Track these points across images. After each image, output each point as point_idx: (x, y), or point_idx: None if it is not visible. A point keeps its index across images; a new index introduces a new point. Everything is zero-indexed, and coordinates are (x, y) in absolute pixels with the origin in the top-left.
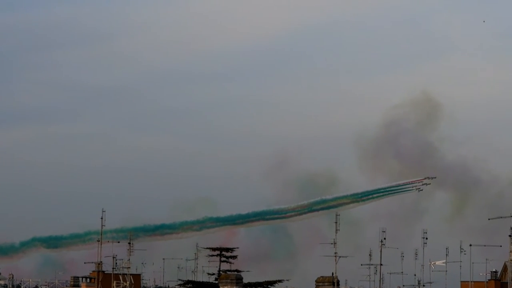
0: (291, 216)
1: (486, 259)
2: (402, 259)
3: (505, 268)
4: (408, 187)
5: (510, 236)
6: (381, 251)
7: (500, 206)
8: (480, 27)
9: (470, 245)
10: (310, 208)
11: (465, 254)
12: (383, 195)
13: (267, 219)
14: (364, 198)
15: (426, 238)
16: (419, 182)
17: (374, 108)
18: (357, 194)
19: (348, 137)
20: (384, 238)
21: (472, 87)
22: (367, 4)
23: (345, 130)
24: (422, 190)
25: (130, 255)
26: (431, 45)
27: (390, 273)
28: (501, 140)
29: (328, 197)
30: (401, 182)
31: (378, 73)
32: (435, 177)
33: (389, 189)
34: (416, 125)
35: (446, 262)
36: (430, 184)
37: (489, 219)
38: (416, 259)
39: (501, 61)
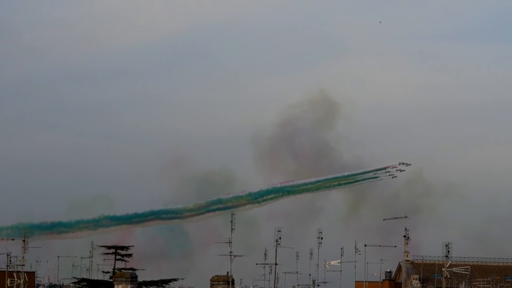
0: (187, 216)
1: (381, 259)
2: (297, 258)
3: (399, 269)
4: (381, 173)
5: (404, 236)
6: (276, 251)
7: (395, 206)
8: (377, 28)
9: (365, 245)
10: (207, 208)
11: (360, 254)
12: (281, 195)
13: (164, 219)
14: (260, 199)
15: (321, 238)
16: (393, 168)
17: (271, 108)
18: (260, 192)
19: (245, 136)
20: (280, 238)
21: (369, 88)
22: (266, 5)
23: (242, 129)
24: (396, 176)
25: (24, 252)
26: (328, 46)
27: (285, 273)
28: (395, 141)
29: (225, 196)
30: (372, 168)
31: (276, 73)
32: (410, 164)
33: (359, 174)
34: (313, 124)
35: (341, 262)
36: (404, 170)
37: (384, 220)
38: (311, 258)
39: (396, 62)
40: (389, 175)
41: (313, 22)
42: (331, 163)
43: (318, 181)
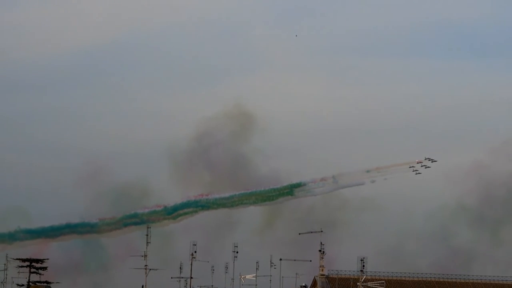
0: (104, 231)
1: (296, 274)
2: (213, 272)
3: (314, 283)
4: (404, 169)
5: (320, 251)
6: (191, 264)
7: (310, 220)
8: (293, 42)
9: (280, 259)
10: (123, 222)
11: (275, 268)
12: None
13: (80, 233)
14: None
15: (237, 252)
16: (418, 163)
17: (188, 121)
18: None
19: (162, 149)
20: (195, 251)
21: (285, 101)
22: (183, 18)
23: (158, 142)
24: (420, 173)
25: None
26: (245, 59)
27: (200, 287)
28: (312, 154)
29: (141, 211)
30: (396, 163)
31: (192, 87)
32: (436, 160)
33: (275, 190)
34: (229, 137)
35: (256, 276)
36: (430, 167)
37: (299, 234)
38: (226, 272)
39: (313, 76)
40: (413, 171)
41: (230, 35)
42: (247, 176)
43: (233, 196)
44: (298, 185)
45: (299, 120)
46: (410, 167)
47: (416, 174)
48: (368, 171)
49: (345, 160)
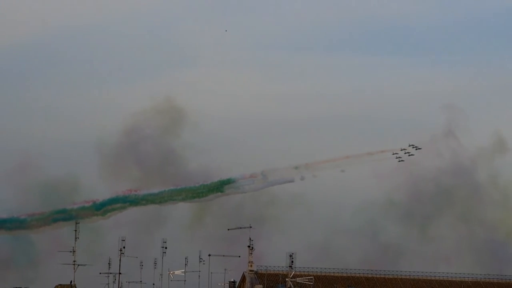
0: (32, 227)
1: (225, 269)
2: (142, 268)
3: (243, 278)
4: (388, 156)
5: (248, 246)
6: (120, 260)
7: (239, 216)
8: (224, 37)
9: (209, 255)
10: (52, 218)
11: (204, 264)
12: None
13: (9, 228)
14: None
15: (166, 248)
16: (402, 151)
17: (118, 115)
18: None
19: (91, 143)
20: (124, 247)
21: (216, 97)
22: (114, 12)
23: (88, 136)
24: (403, 160)
25: None
26: (176, 54)
27: (129, 282)
28: (243, 150)
29: (69, 206)
30: (379, 150)
31: (123, 80)
32: (420, 148)
33: (205, 187)
34: (159, 131)
35: (185, 272)
36: (414, 155)
37: (228, 229)
38: (155, 268)
39: (244, 72)
40: (396, 158)
41: (161, 30)
42: (177, 171)
43: (163, 192)
44: (228, 182)
45: (230, 116)
46: (393, 154)
47: (399, 161)
48: (296, 168)
49: (274, 156)
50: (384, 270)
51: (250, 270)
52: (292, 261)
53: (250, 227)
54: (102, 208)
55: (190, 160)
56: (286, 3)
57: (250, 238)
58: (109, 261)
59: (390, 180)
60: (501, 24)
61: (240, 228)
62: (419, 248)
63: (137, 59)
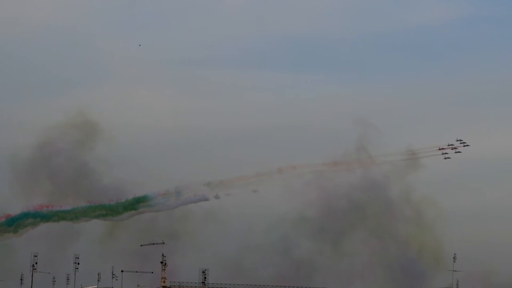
0: None
1: (138, 285)
2: (54, 283)
3: None
4: (300, 172)
5: (161, 262)
6: (32, 276)
7: (153, 232)
8: (138, 52)
9: (122, 270)
10: None
11: (117, 279)
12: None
13: None
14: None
15: (78, 263)
16: (449, 146)
17: (30, 130)
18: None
19: (2, 158)
20: (36, 263)
21: (130, 111)
22: (27, 26)
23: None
24: (450, 158)
25: None
26: (90, 68)
27: None
28: (156, 164)
29: None
30: (291, 165)
31: (35, 96)
32: (468, 145)
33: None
34: (72, 146)
35: (97, 287)
36: (461, 152)
37: (141, 245)
38: (67, 284)
39: (157, 86)
40: (443, 155)
41: (75, 45)
42: (90, 185)
43: (76, 209)
44: (142, 199)
45: (144, 130)
46: (306, 169)
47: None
48: (209, 184)
49: (188, 171)
50: (297, 286)
51: (163, 286)
52: (205, 277)
53: (163, 243)
54: (14, 223)
55: (104, 175)
56: (200, 19)
57: (163, 254)
58: (21, 277)
59: (302, 196)
60: (418, 42)
61: (153, 244)
62: (332, 264)
63: (51, 74)
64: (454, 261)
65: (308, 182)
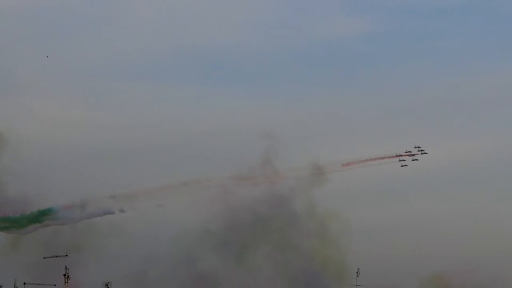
0: None
1: None
2: None
3: None
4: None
5: (64, 275)
6: None
7: (56, 244)
8: (45, 63)
9: (24, 283)
10: None
11: None
12: None
13: None
14: None
15: None
16: (406, 153)
17: None
18: None
19: None
20: None
21: (36, 122)
22: None
23: None
24: (407, 166)
25: None
26: None
27: None
28: (61, 177)
29: None
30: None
31: None
32: (426, 153)
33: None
34: None
35: None
36: (418, 160)
37: (44, 258)
38: None
39: (64, 98)
40: (400, 162)
41: None
42: None
43: None
44: (47, 212)
45: (50, 142)
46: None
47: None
48: (114, 197)
49: (93, 184)
50: None
51: None
52: None
53: (67, 255)
54: None
55: (9, 186)
56: (108, 30)
57: (66, 267)
58: None
59: (207, 210)
60: (325, 56)
61: (56, 256)
62: (235, 278)
63: None
64: (358, 276)
65: (212, 195)
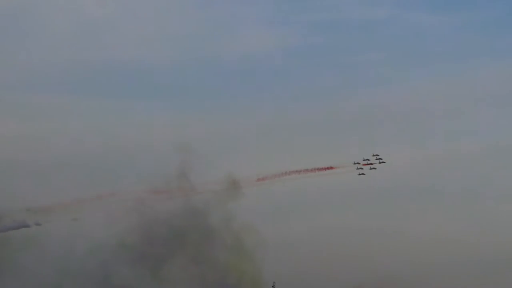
0: None
1: None
2: None
3: None
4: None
5: None
6: None
7: None
8: None
9: None
10: None
11: None
12: None
13: None
14: None
15: None
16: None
17: None
18: None
19: None
20: None
21: None
22: None
23: None
24: (364, 174)
25: None
26: None
27: None
28: None
29: None
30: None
31: None
32: (384, 162)
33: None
34: None
35: None
36: (376, 169)
37: None
38: None
39: None
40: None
41: None
42: None
43: None
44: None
45: None
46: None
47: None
48: (29, 210)
49: (8, 198)
50: None
51: None
52: None
53: None
54: None
55: None
56: (19, 43)
57: None
58: None
59: (122, 223)
60: (243, 69)
61: None
62: None
63: None
64: None
65: (128, 209)
